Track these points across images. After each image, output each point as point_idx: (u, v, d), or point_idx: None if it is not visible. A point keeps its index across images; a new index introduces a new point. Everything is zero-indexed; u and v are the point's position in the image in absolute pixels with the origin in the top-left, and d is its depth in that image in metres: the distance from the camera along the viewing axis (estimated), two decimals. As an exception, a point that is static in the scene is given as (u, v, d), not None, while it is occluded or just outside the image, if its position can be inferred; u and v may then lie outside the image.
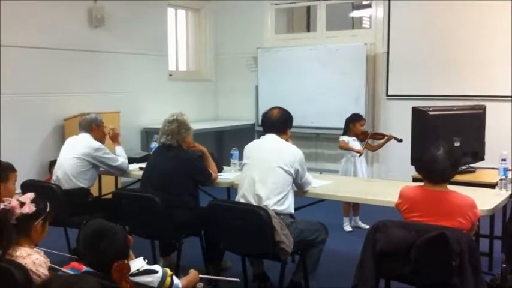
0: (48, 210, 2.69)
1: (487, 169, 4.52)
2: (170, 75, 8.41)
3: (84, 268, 2.29)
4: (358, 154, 5.61)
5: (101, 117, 4.89)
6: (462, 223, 2.95)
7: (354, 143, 5.63)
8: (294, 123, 4.01)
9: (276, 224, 3.43)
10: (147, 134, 7.51)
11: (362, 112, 7.12)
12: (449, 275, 2.80)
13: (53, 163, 5.53)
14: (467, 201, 3.00)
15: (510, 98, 6.72)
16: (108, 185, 5.36)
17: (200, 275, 2.73)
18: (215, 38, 9.08)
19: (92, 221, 2.42)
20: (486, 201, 3.44)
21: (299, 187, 3.87)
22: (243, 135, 7.85)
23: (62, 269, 2.39)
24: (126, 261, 2.24)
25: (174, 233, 3.99)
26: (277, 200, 3.62)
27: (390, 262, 2.97)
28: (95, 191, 4.95)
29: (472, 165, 4.52)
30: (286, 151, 3.76)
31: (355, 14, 9.00)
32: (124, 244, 2.33)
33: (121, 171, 4.83)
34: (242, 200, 3.74)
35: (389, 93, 7.67)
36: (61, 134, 6.62)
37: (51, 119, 6.66)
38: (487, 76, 6.93)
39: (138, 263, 2.42)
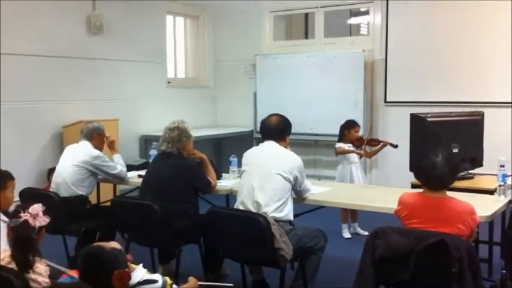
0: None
1: (485, 175, 4.52)
2: (169, 82, 8.41)
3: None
4: (359, 156, 5.63)
5: (103, 127, 4.89)
6: (461, 229, 2.95)
7: (349, 150, 5.63)
8: (293, 130, 4.01)
9: (275, 231, 3.43)
10: (146, 142, 7.51)
11: (360, 119, 7.14)
12: (449, 282, 2.79)
13: (51, 171, 5.53)
14: (466, 207, 3.01)
15: (509, 104, 6.73)
16: (107, 193, 5.36)
17: (199, 282, 2.72)
18: (214, 45, 9.09)
19: (83, 251, 2.35)
20: (485, 207, 3.44)
21: (298, 194, 3.87)
22: (241, 142, 7.84)
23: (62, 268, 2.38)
24: (126, 270, 2.24)
25: (173, 240, 3.98)
26: (277, 206, 3.62)
27: (390, 268, 2.97)
28: (93, 199, 4.95)
29: (470, 171, 4.52)
30: (285, 158, 3.76)
31: (353, 20, 9.03)
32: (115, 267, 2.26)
33: (119, 179, 4.83)
34: (241, 207, 3.73)
35: (387, 100, 7.68)
36: (60, 142, 6.61)
37: (50, 127, 6.65)
38: (485, 82, 6.94)
39: (139, 273, 2.40)
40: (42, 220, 2.57)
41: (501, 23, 6.75)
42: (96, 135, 4.78)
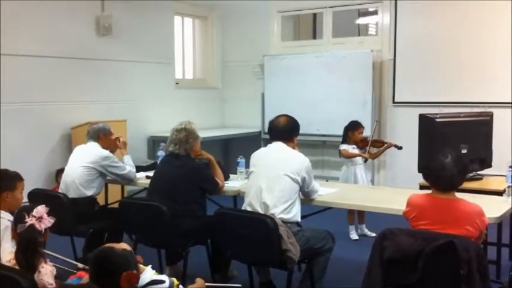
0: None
1: (494, 176, 4.50)
2: (177, 83, 8.43)
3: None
4: (364, 159, 5.60)
5: (109, 127, 4.89)
6: (470, 231, 2.93)
7: (354, 151, 5.60)
8: (300, 131, 4.00)
9: (283, 233, 3.42)
10: (154, 142, 7.52)
11: (368, 119, 7.12)
12: (458, 283, 2.78)
13: (60, 172, 5.54)
14: (475, 209, 2.99)
15: (518, 105, 6.69)
16: (115, 194, 5.37)
17: (206, 284, 2.72)
18: (222, 46, 9.10)
19: (94, 252, 2.33)
20: (494, 208, 3.42)
21: (306, 195, 3.85)
22: (249, 143, 7.85)
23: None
24: (135, 271, 2.23)
25: (181, 241, 3.98)
26: (284, 208, 3.61)
27: (398, 270, 2.96)
28: (101, 200, 4.96)
29: (479, 172, 4.49)
30: (293, 159, 3.75)
31: (362, 20, 9.00)
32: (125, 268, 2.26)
33: (128, 179, 4.83)
34: (249, 208, 3.73)
35: (395, 100, 7.65)
36: (68, 143, 6.64)
37: (59, 128, 6.67)
38: (494, 83, 6.90)
39: (147, 275, 2.40)
40: (48, 222, 2.59)
41: (510, 23, 6.69)
42: (103, 136, 4.79)
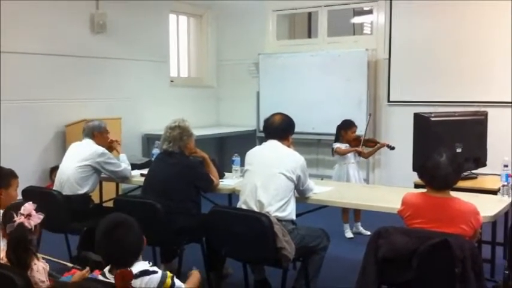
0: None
1: (489, 175, 4.51)
2: (172, 81, 8.42)
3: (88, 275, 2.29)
4: (357, 154, 5.62)
5: (104, 124, 4.88)
6: (465, 230, 2.94)
7: (348, 149, 5.61)
8: (296, 129, 3.99)
9: (278, 231, 3.42)
10: (148, 140, 7.50)
11: (363, 118, 7.12)
12: (452, 282, 2.78)
13: (54, 169, 5.52)
14: (469, 207, 3.00)
15: (512, 104, 6.72)
16: (109, 192, 5.35)
17: None
18: (217, 44, 9.10)
19: (110, 214, 2.48)
20: (488, 207, 3.42)
21: (301, 193, 3.86)
22: (244, 141, 7.84)
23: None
24: (129, 269, 2.23)
25: (175, 239, 3.98)
26: (279, 206, 3.61)
27: (392, 268, 2.96)
28: (96, 198, 4.94)
29: (474, 171, 4.51)
30: (288, 157, 3.75)
31: (357, 20, 9.01)
32: (139, 237, 2.41)
33: (123, 177, 4.82)
34: (244, 207, 3.73)
35: (390, 99, 7.67)
36: (62, 140, 6.62)
37: (53, 125, 6.66)
38: (489, 82, 6.93)
39: (140, 265, 2.40)
40: (37, 218, 2.57)
41: (506, 22, 6.71)
42: (98, 133, 4.78)
